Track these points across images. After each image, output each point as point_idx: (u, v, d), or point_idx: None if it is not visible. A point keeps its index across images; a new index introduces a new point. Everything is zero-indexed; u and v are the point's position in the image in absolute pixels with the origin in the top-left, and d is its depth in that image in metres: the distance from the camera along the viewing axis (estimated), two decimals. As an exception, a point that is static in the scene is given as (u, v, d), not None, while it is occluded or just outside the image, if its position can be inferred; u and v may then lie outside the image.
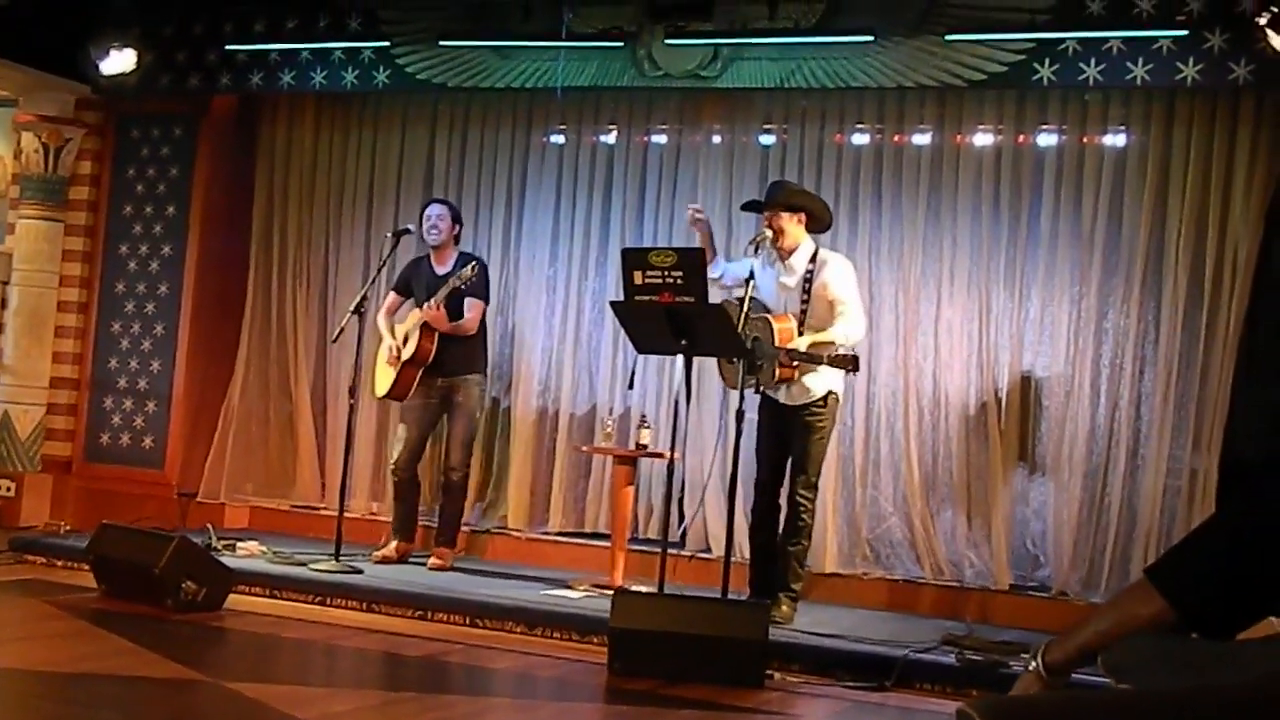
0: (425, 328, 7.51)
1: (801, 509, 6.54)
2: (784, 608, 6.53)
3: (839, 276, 6.59)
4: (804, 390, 6.51)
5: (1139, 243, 7.30)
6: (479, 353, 7.82)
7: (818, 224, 6.74)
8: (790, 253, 6.63)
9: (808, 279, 6.56)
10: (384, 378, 7.67)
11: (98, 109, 9.27)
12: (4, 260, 9.32)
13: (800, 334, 6.44)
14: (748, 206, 6.90)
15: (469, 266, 7.47)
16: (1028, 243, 7.60)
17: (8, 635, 5.82)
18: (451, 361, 7.61)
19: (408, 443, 7.75)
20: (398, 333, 7.68)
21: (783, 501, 6.71)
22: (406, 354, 7.54)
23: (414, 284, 7.78)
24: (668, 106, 8.42)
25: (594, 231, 8.56)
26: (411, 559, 7.76)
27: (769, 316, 6.48)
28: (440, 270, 7.71)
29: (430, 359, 7.54)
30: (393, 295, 7.85)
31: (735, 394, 6.46)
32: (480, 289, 7.65)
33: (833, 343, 6.41)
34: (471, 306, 7.62)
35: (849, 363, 6.26)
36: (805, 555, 6.73)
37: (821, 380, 6.52)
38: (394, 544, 7.74)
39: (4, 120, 9.54)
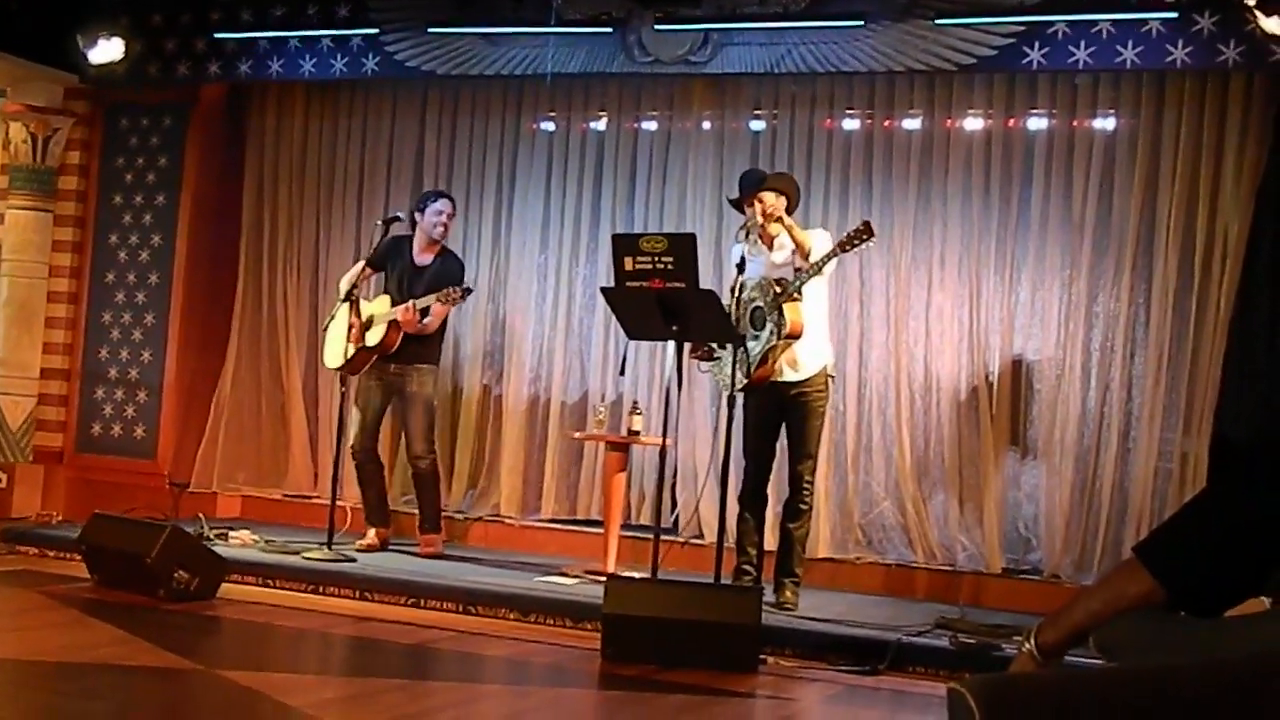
0: (393, 324, 7.50)
1: (805, 491, 6.56)
2: (789, 593, 6.55)
3: (822, 237, 6.56)
4: (800, 364, 6.50)
5: (1129, 226, 7.31)
6: (435, 346, 7.82)
7: (791, 205, 6.75)
8: (774, 235, 6.63)
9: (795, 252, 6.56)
10: (338, 352, 7.61)
11: (86, 98, 9.23)
12: (-7, 252, 9.30)
13: (795, 299, 6.41)
14: (734, 200, 6.87)
15: (461, 291, 7.42)
16: (1018, 227, 7.61)
17: (0, 626, 5.81)
18: (407, 351, 7.61)
19: (362, 424, 7.76)
20: (363, 310, 7.62)
21: (769, 489, 6.74)
22: (371, 341, 7.54)
23: (389, 264, 7.77)
24: (657, 93, 8.41)
25: (584, 218, 8.56)
26: (400, 547, 7.77)
27: (761, 278, 6.48)
28: (421, 260, 7.70)
29: (392, 350, 7.56)
30: (364, 266, 7.75)
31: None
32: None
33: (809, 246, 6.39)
34: (437, 313, 7.60)
35: (861, 233, 6.22)
36: (806, 538, 6.75)
37: (815, 354, 6.53)
38: (372, 532, 7.75)
39: (-8, 111, 9.52)
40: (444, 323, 7.81)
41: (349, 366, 7.62)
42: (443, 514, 7.96)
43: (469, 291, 7.60)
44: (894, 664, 5.77)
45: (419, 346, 7.66)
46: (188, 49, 8.80)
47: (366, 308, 7.66)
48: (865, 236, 6.25)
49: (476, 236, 8.60)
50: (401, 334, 7.52)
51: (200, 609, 6.23)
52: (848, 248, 6.29)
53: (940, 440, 7.63)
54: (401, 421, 7.90)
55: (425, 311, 7.50)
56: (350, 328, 7.53)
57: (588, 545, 7.77)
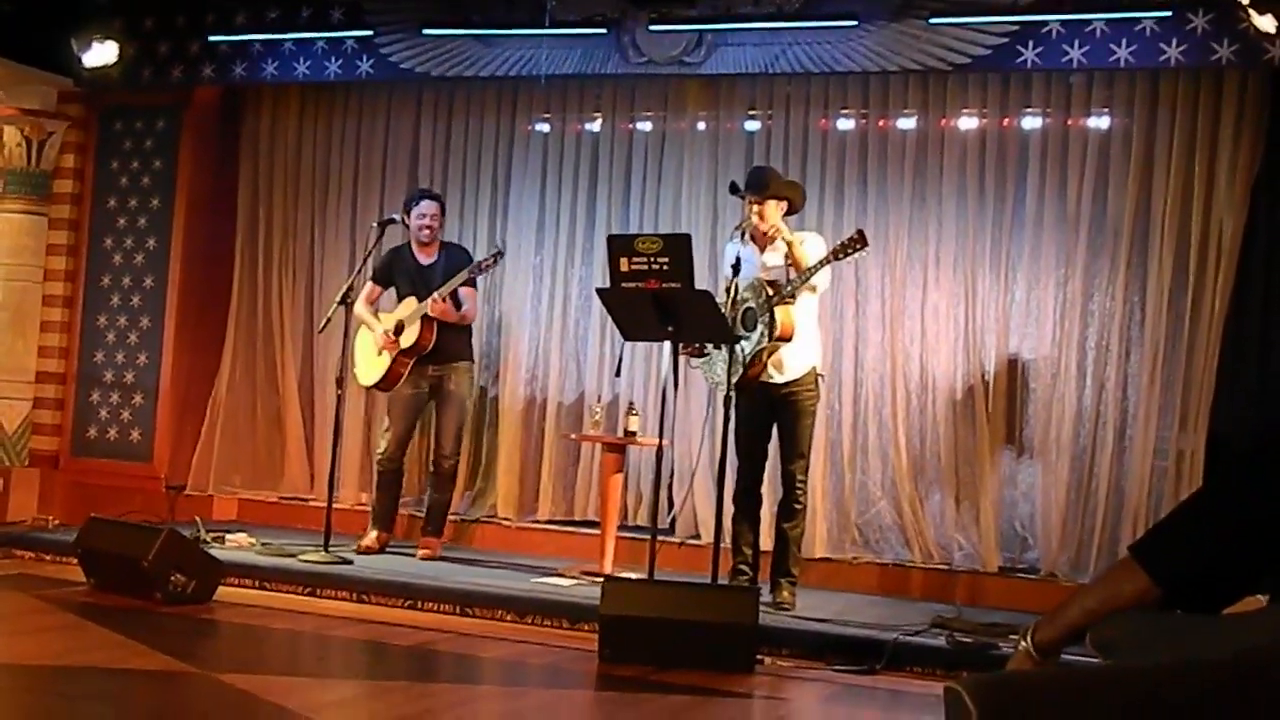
0: (426, 319, 7.48)
1: (798, 491, 6.56)
2: (785, 593, 6.55)
3: (815, 242, 6.57)
4: (785, 366, 6.50)
5: (1124, 225, 7.32)
6: (470, 340, 7.84)
7: (793, 210, 6.74)
8: (772, 239, 6.61)
9: (788, 257, 6.56)
10: (373, 367, 7.63)
11: (80, 102, 9.23)
12: (-12, 255, 9.30)
13: (788, 302, 6.40)
14: (735, 190, 6.85)
15: (492, 256, 7.49)
16: (1013, 226, 7.62)
17: (-4, 630, 5.82)
18: (445, 349, 7.59)
19: (396, 434, 7.73)
20: (387, 321, 7.64)
21: (763, 489, 6.73)
22: (406, 343, 7.51)
23: (395, 274, 7.75)
24: (652, 93, 8.41)
25: (580, 219, 8.56)
26: (397, 549, 7.76)
27: (754, 278, 6.47)
28: (425, 260, 7.69)
29: (429, 349, 7.54)
30: (371, 285, 7.78)
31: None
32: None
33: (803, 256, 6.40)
34: (469, 295, 7.61)
35: (855, 241, 6.22)
36: (802, 538, 6.75)
37: (802, 356, 6.52)
38: (374, 534, 7.72)
39: (-14, 114, 9.51)
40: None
41: (386, 381, 7.60)
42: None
43: (500, 254, 7.62)
44: (891, 663, 5.77)
45: (456, 342, 7.65)
46: (182, 52, 8.79)
47: (389, 316, 7.65)
48: (858, 245, 6.24)
49: (472, 238, 8.59)
50: (436, 330, 7.51)
51: (197, 612, 6.22)
52: (840, 256, 6.29)
53: (936, 439, 7.63)
54: (434, 419, 7.84)
55: (457, 298, 7.50)
56: (380, 337, 7.53)
57: (584, 546, 7.77)
